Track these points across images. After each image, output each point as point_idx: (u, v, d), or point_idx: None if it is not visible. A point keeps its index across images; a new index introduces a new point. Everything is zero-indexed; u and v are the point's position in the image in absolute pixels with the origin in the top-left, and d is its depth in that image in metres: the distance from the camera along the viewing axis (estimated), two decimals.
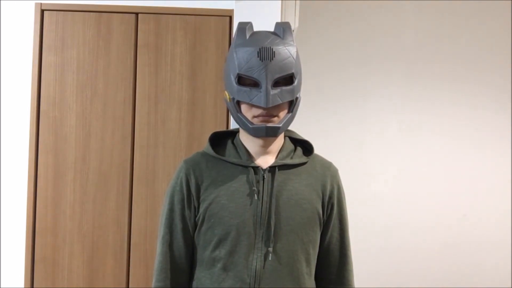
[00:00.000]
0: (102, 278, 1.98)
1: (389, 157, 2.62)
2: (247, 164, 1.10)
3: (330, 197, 1.16)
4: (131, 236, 1.98)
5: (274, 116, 1.06)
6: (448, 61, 2.64)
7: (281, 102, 1.04)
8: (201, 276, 1.10)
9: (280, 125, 1.06)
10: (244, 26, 1.09)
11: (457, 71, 2.64)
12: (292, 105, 1.09)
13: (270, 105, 1.02)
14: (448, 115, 2.63)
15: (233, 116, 1.12)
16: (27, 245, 1.97)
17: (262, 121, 1.06)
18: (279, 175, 1.11)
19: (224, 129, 1.93)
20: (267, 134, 1.06)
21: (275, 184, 1.09)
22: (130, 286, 1.98)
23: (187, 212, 1.12)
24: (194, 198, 1.11)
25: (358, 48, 2.62)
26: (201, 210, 1.09)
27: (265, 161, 1.12)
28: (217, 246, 1.07)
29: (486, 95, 2.64)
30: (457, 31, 2.64)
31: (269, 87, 1.02)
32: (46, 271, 1.97)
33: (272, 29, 1.14)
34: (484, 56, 2.64)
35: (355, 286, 1.21)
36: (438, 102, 2.64)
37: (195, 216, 1.11)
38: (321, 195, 1.14)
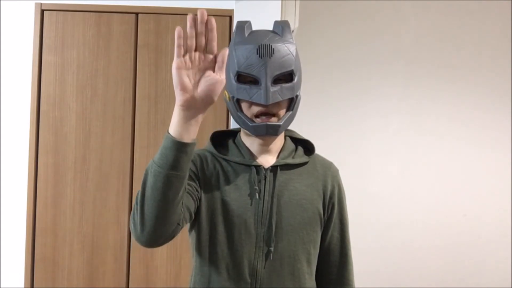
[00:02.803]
0: (102, 278, 1.98)
1: (389, 157, 2.62)
2: (249, 163, 1.10)
3: (331, 197, 1.16)
4: (131, 236, 1.98)
5: (274, 114, 1.06)
6: (448, 61, 2.64)
7: (281, 99, 1.04)
8: (201, 274, 1.10)
9: (281, 123, 1.06)
10: (243, 25, 1.09)
11: (457, 71, 2.64)
12: (292, 103, 1.09)
13: (270, 102, 1.02)
14: (448, 115, 2.64)
15: (233, 116, 1.12)
16: (27, 245, 1.97)
17: (262, 120, 1.05)
18: (280, 175, 1.11)
19: (224, 129, 1.93)
20: (268, 132, 1.05)
21: (276, 184, 1.09)
22: (130, 286, 1.98)
23: (191, 177, 1.06)
24: (200, 178, 1.09)
25: (358, 48, 2.62)
26: (202, 200, 1.08)
27: (266, 160, 1.12)
28: (218, 244, 1.07)
29: (486, 95, 2.64)
30: (457, 31, 2.65)
31: (269, 84, 1.01)
32: (46, 271, 1.97)
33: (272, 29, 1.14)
34: (484, 56, 2.65)
35: (356, 285, 1.21)
36: (438, 102, 2.64)
37: (197, 196, 1.06)
38: (322, 195, 1.14)
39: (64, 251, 1.98)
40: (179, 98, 0.84)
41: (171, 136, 0.85)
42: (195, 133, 0.88)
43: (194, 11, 0.86)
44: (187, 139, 0.86)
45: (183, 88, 0.83)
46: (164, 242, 0.94)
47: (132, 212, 0.92)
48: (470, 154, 2.63)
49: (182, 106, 0.84)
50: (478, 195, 2.62)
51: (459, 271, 2.61)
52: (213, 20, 0.83)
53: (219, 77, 0.84)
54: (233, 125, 1.85)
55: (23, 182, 2.03)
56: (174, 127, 0.86)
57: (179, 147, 0.85)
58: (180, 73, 0.82)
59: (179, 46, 0.81)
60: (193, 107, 0.85)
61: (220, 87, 0.85)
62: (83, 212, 1.98)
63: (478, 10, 2.64)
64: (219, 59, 0.84)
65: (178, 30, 0.80)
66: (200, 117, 0.87)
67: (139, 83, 2.00)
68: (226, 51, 0.85)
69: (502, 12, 2.65)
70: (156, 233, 0.90)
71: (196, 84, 0.84)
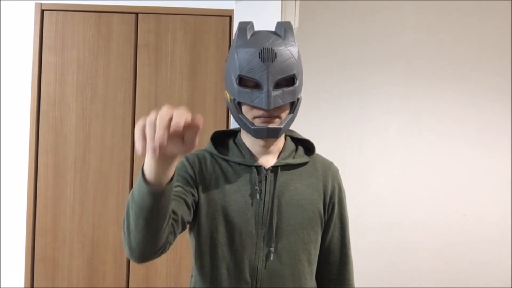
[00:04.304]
0: (102, 278, 1.98)
1: (389, 157, 2.62)
2: (250, 164, 1.10)
3: (331, 197, 1.16)
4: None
5: (276, 117, 1.05)
6: (448, 61, 2.64)
7: (282, 103, 1.04)
8: (201, 275, 1.10)
9: (282, 127, 1.06)
10: (245, 26, 1.09)
11: (457, 71, 2.64)
12: (293, 106, 1.08)
13: (272, 107, 1.02)
14: (448, 115, 2.64)
15: (233, 117, 1.11)
16: (27, 245, 1.97)
17: (263, 122, 1.05)
18: (281, 175, 1.11)
19: (224, 129, 1.93)
20: (269, 135, 1.05)
21: (277, 184, 1.09)
22: (130, 286, 1.98)
23: (187, 183, 1.06)
24: (198, 182, 1.08)
25: (358, 48, 2.62)
26: (202, 202, 1.08)
27: (267, 160, 1.12)
28: (218, 245, 1.07)
29: (486, 95, 2.64)
30: (457, 31, 2.65)
31: (271, 88, 1.01)
32: (46, 271, 1.97)
33: (272, 29, 1.13)
34: (484, 56, 2.65)
35: (356, 285, 1.21)
36: (438, 102, 2.64)
37: (193, 201, 1.06)
38: (322, 195, 1.14)
39: (64, 251, 1.98)
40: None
41: (148, 185, 0.79)
42: (173, 169, 0.81)
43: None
44: (165, 180, 0.80)
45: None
46: (156, 258, 0.93)
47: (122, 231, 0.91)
48: (470, 154, 2.63)
49: (153, 157, 0.77)
50: (478, 195, 2.62)
51: (459, 271, 2.61)
52: (198, 119, 0.68)
53: (187, 148, 0.72)
54: (233, 125, 1.85)
55: (23, 182, 2.03)
56: (150, 170, 0.78)
57: (157, 196, 0.80)
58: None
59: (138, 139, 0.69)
60: (165, 158, 0.77)
61: (190, 152, 0.74)
62: (83, 212, 1.98)
63: (478, 10, 2.64)
64: (190, 132, 0.70)
65: (138, 127, 0.68)
66: (176, 157, 0.78)
67: (139, 83, 2.00)
68: (200, 121, 0.70)
69: (502, 12, 2.65)
70: (145, 256, 0.90)
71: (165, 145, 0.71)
